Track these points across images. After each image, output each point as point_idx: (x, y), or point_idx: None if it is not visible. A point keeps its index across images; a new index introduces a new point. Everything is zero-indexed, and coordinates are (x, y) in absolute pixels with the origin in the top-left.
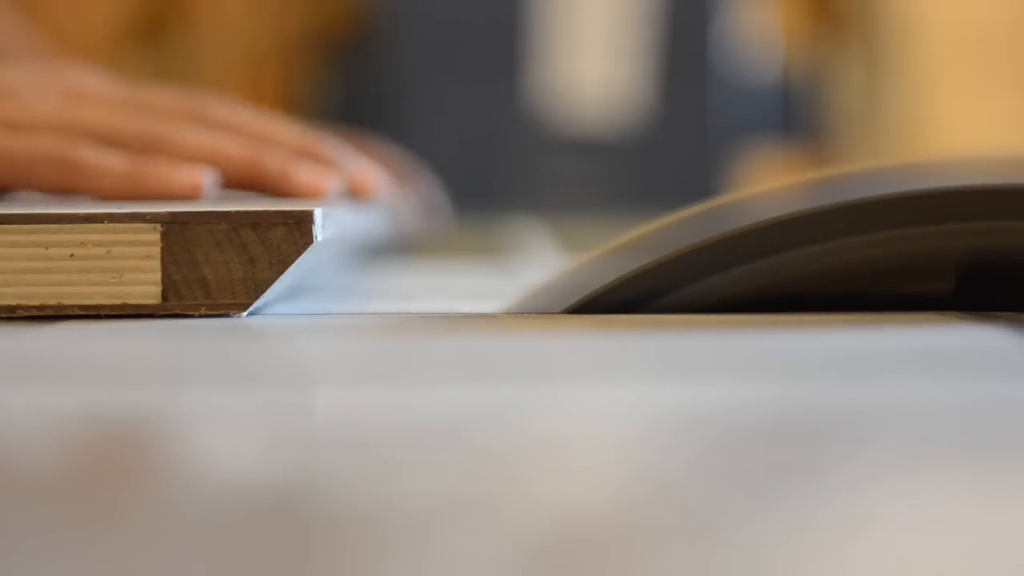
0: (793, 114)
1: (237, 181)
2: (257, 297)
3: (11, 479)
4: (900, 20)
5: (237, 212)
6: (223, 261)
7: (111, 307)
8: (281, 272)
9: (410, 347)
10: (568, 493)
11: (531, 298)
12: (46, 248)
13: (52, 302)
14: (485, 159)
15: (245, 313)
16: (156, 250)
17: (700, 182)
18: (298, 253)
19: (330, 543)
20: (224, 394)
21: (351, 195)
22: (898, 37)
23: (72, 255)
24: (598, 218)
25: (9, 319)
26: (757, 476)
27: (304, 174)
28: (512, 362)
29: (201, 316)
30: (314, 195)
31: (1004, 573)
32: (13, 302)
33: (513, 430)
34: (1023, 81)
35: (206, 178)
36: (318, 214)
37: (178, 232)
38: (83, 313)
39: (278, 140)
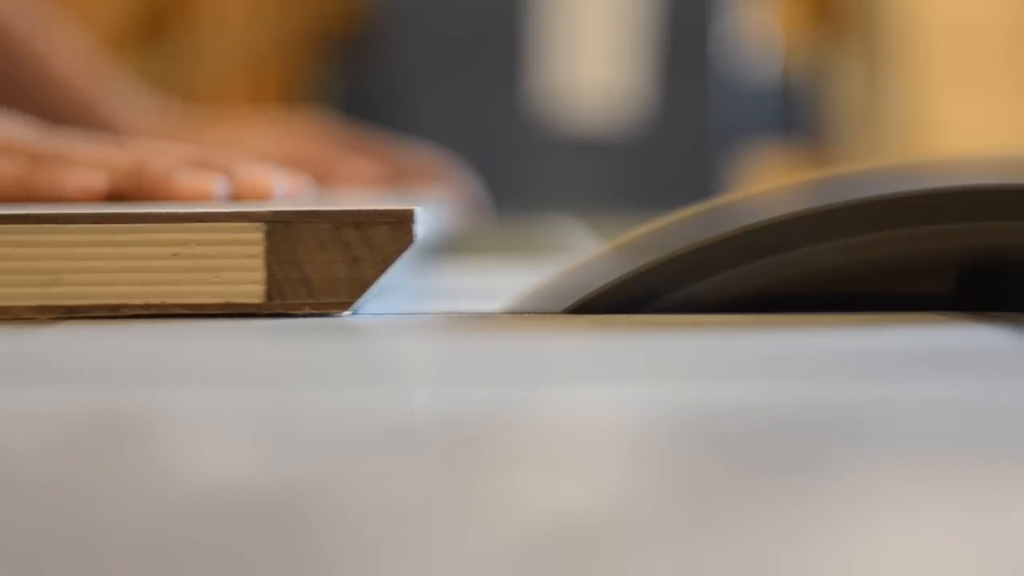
0: (793, 114)
1: (124, 187)
2: (360, 296)
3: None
4: (900, 20)
5: (340, 212)
6: (326, 260)
7: (215, 306)
8: (383, 271)
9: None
10: (567, 493)
11: (531, 298)
12: (150, 247)
13: (156, 301)
14: (485, 159)
15: (348, 312)
16: (260, 249)
17: (700, 182)
18: (400, 252)
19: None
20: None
21: (238, 199)
22: (898, 37)
23: (175, 254)
24: (595, 218)
25: (115, 318)
26: (756, 476)
27: (187, 178)
28: (511, 362)
29: (304, 315)
30: (198, 199)
31: (1004, 573)
32: (117, 301)
33: (511, 430)
34: (1023, 81)
35: (96, 181)
36: (418, 213)
37: (281, 232)
38: (187, 312)
39: (164, 152)
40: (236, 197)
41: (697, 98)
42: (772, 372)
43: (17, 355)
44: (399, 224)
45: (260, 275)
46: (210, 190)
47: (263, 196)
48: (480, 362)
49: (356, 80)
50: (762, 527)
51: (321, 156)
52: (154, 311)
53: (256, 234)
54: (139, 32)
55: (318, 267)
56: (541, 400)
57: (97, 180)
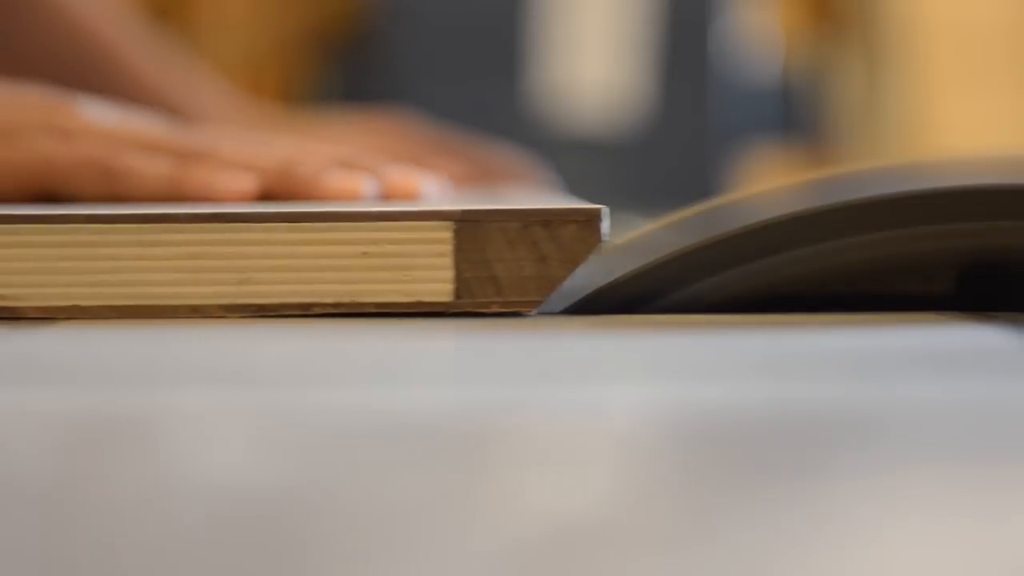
0: (793, 114)
1: (273, 188)
2: (548, 295)
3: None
4: (900, 20)
5: (529, 210)
6: (514, 259)
7: (404, 304)
8: (572, 270)
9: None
10: (567, 494)
11: None
12: (340, 246)
13: (346, 299)
14: None
15: (536, 311)
16: (449, 248)
17: (700, 182)
18: (588, 251)
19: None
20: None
21: (386, 199)
22: (898, 37)
23: (365, 253)
24: None
25: (305, 316)
26: (756, 476)
27: (335, 179)
28: (510, 362)
29: (493, 314)
30: (346, 199)
31: (1004, 573)
32: (308, 300)
33: (510, 431)
34: (1023, 81)
35: (247, 183)
36: (605, 212)
37: (470, 230)
38: (376, 311)
39: (311, 152)
40: (384, 197)
41: (697, 98)
42: (772, 372)
43: (19, 355)
44: (587, 223)
45: (448, 274)
46: (359, 190)
47: (411, 196)
48: (480, 362)
49: (356, 80)
50: (762, 528)
51: (408, 155)
52: (343, 309)
53: (445, 233)
54: None
55: (506, 265)
56: (541, 400)
57: (248, 181)
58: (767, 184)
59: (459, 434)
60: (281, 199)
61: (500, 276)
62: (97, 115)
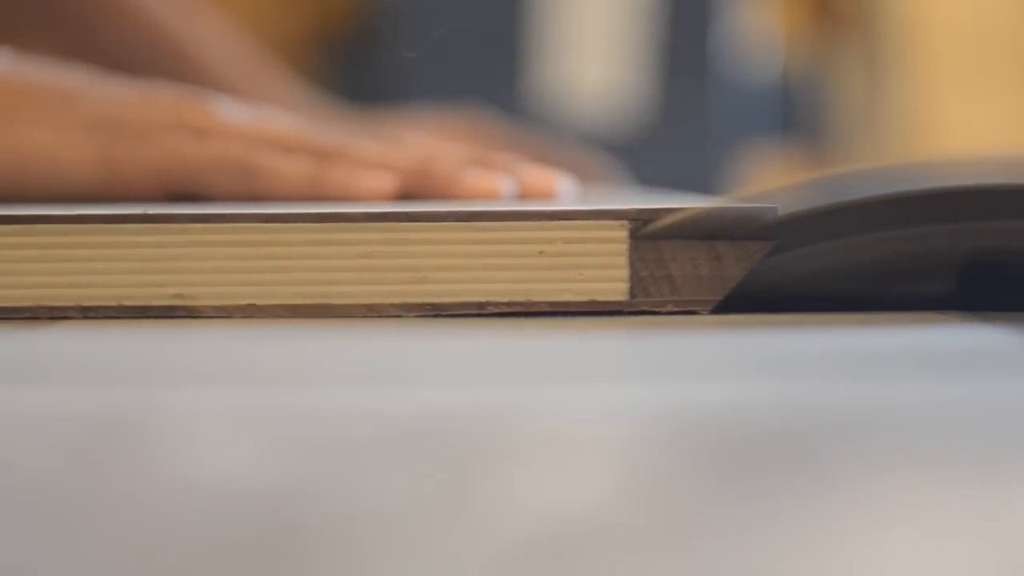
0: (793, 114)
1: (411, 186)
2: (723, 294)
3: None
4: (900, 20)
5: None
6: (690, 258)
7: (578, 304)
8: (747, 269)
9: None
10: (564, 495)
11: None
12: (516, 245)
13: (521, 299)
14: None
15: (710, 310)
16: (624, 247)
17: (700, 182)
18: (762, 251)
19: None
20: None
21: (524, 198)
22: (898, 37)
23: (541, 252)
24: None
25: (480, 315)
26: (756, 477)
27: (474, 178)
28: (510, 362)
29: (667, 313)
30: (484, 198)
31: (1003, 573)
32: (482, 299)
33: (509, 431)
34: (1023, 81)
35: (387, 182)
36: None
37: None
38: (551, 310)
39: (447, 151)
40: (522, 196)
41: (697, 98)
42: (772, 372)
43: (19, 355)
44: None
45: (624, 273)
46: (498, 189)
47: (548, 195)
48: (480, 363)
49: (356, 80)
50: (762, 528)
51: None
52: (518, 309)
53: (621, 232)
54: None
55: (682, 265)
56: (538, 401)
57: (387, 180)
58: (767, 183)
59: (456, 434)
60: (418, 198)
61: (676, 275)
62: (231, 113)
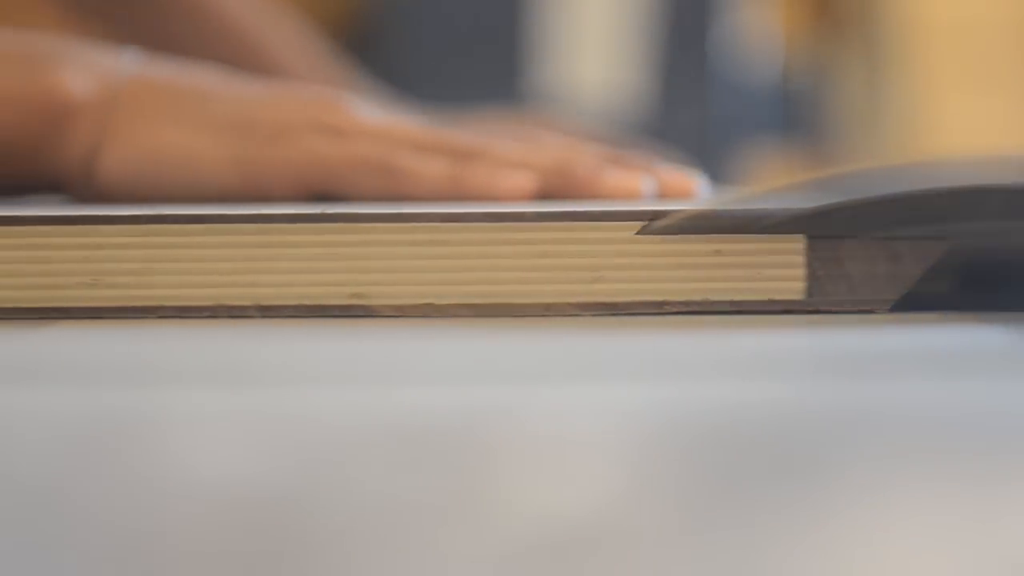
0: (793, 113)
1: (551, 186)
2: (901, 293)
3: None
4: (900, 20)
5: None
6: (867, 257)
7: (756, 303)
8: (924, 268)
9: None
10: (563, 495)
11: None
12: (693, 244)
13: (698, 298)
14: None
15: (887, 309)
16: (802, 247)
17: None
18: (940, 250)
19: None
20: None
21: (663, 197)
22: (898, 37)
23: (718, 251)
24: None
25: (659, 314)
26: (755, 477)
27: (614, 177)
28: (510, 362)
29: (844, 312)
30: (625, 197)
31: (1003, 573)
32: (660, 298)
33: (508, 431)
34: (1023, 81)
35: (528, 182)
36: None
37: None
38: (729, 309)
39: (585, 150)
40: (660, 196)
41: (697, 98)
42: (771, 372)
43: (19, 355)
44: None
45: (801, 272)
46: (638, 189)
47: (686, 195)
48: (482, 362)
49: None
50: (760, 528)
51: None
52: (695, 308)
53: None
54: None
55: (859, 264)
56: (538, 400)
57: (528, 180)
58: (766, 183)
59: (452, 435)
60: (558, 197)
61: (853, 274)
62: (368, 114)
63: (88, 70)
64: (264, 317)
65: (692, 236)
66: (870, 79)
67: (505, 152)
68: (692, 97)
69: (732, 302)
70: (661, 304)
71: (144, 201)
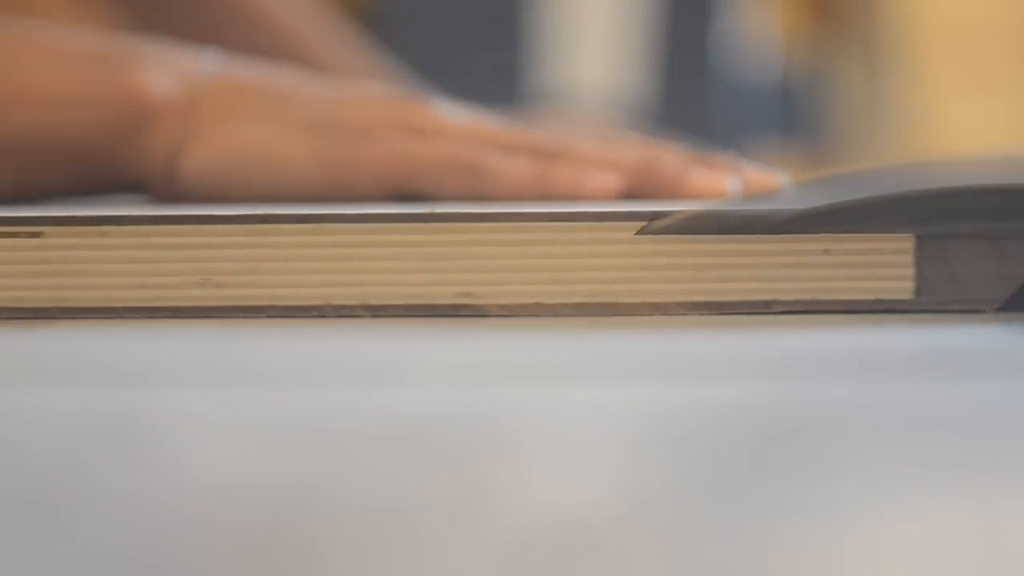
0: (793, 114)
1: (636, 185)
2: (1009, 292)
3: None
4: (900, 20)
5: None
6: (975, 256)
7: (865, 303)
8: None
9: None
10: (562, 495)
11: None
12: (801, 244)
13: (807, 297)
14: None
15: (995, 308)
16: (910, 246)
17: None
18: None
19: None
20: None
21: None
22: (898, 37)
23: (827, 251)
24: None
25: (765, 313)
26: (754, 477)
27: (700, 177)
28: (511, 362)
29: (952, 311)
30: (711, 197)
31: (1003, 573)
32: (769, 297)
33: (508, 431)
34: (1023, 81)
35: (614, 181)
36: None
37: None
38: (838, 309)
39: (665, 149)
40: (746, 195)
41: (697, 98)
42: (771, 372)
43: (19, 355)
44: None
45: (910, 271)
46: (724, 188)
47: (772, 194)
48: (480, 363)
49: None
50: (760, 528)
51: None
52: (803, 307)
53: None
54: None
55: (967, 263)
56: (538, 400)
57: (614, 179)
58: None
59: (452, 435)
60: (643, 197)
61: (960, 274)
62: (450, 114)
63: (169, 70)
64: (373, 317)
65: (801, 236)
66: (870, 79)
67: (589, 151)
68: (692, 97)
69: (840, 301)
70: (769, 304)
71: (227, 201)
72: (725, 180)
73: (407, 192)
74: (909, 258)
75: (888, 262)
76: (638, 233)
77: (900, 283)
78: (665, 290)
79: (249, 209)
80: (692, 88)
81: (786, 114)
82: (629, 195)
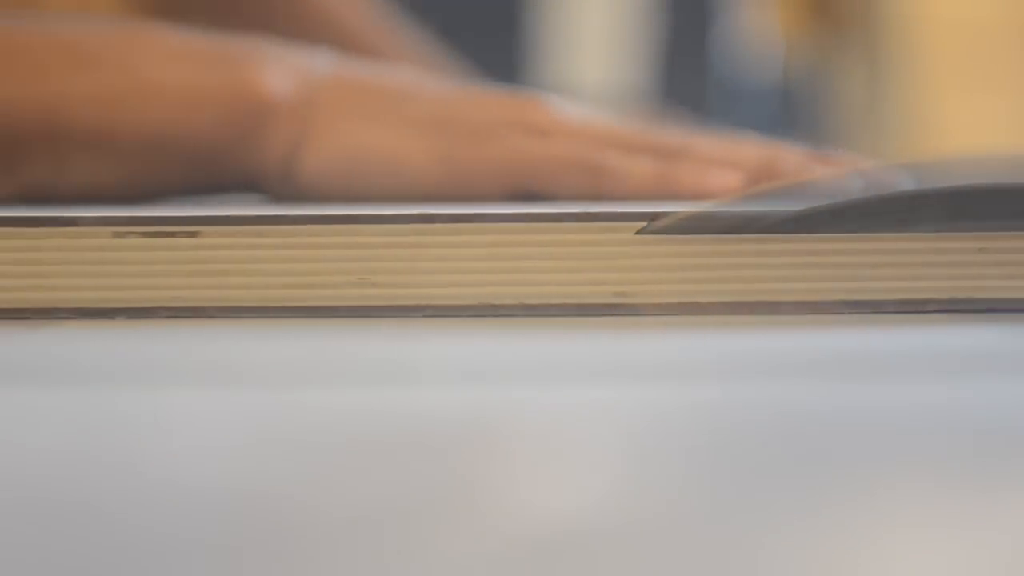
0: (793, 114)
1: (756, 184)
2: None
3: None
4: (901, 20)
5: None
6: None
7: (1018, 301)
8: None
9: None
10: (561, 495)
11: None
12: (953, 242)
13: (961, 296)
14: None
15: None
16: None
17: None
18: None
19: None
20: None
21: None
22: (899, 37)
23: (981, 249)
24: None
25: (919, 312)
26: (754, 478)
27: (821, 171)
28: (511, 362)
29: None
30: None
31: (1004, 573)
32: (922, 296)
33: (507, 431)
34: (1023, 81)
35: (736, 181)
36: None
37: None
38: (993, 307)
39: (787, 147)
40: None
41: (697, 98)
42: (772, 372)
43: (19, 355)
44: None
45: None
46: (848, 185)
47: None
48: (483, 362)
49: None
50: (761, 528)
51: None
52: (958, 307)
53: None
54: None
55: None
56: (537, 400)
57: (737, 179)
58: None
59: (451, 434)
60: None
61: None
62: (567, 112)
63: (286, 68)
64: (527, 316)
65: (956, 234)
66: (870, 79)
67: (710, 150)
68: (692, 97)
69: (996, 300)
70: (923, 303)
71: (345, 200)
72: (847, 177)
73: (526, 192)
74: None
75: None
76: (638, 233)
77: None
78: (819, 288)
79: (407, 208)
80: (692, 88)
81: (786, 114)
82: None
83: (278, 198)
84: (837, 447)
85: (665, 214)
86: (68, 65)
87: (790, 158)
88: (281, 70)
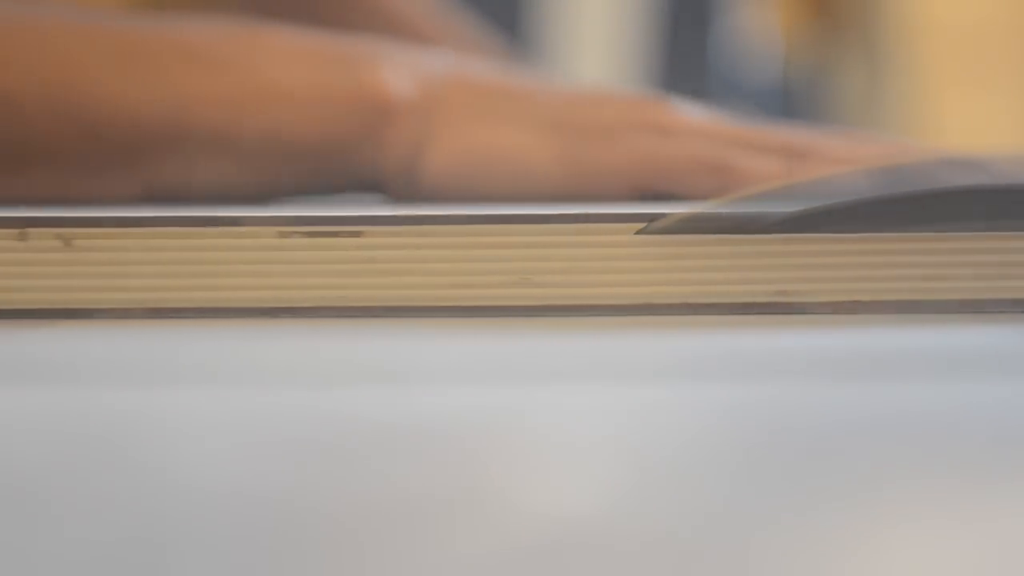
0: (793, 112)
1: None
2: None
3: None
4: (901, 19)
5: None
6: None
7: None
8: None
9: None
10: (561, 496)
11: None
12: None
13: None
14: None
15: None
16: None
17: None
18: None
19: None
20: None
21: None
22: (899, 36)
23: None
24: None
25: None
26: (755, 478)
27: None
28: (511, 362)
29: None
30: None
31: (1004, 573)
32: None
33: (507, 431)
34: (1023, 81)
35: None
36: None
37: None
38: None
39: (908, 147)
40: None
41: (697, 97)
42: (773, 372)
43: (19, 355)
44: None
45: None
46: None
47: None
48: (484, 362)
49: None
50: (761, 529)
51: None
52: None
53: None
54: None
55: None
56: (537, 401)
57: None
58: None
59: (452, 434)
60: None
61: None
62: (691, 112)
63: (407, 68)
64: (693, 315)
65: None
66: (870, 79)
67: (835, 149)
68: (692, 97)
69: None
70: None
71: (468, 201)
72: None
73: (652, 193)
74: None
75: None
76: (638, 233)
77: None
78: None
79: (571, 208)
80: (692, 88)
81: (786, 114)
82: None
83: (399, 199)
84: (838, 447)
85: (665, 214)
86: (191, 66)
87: (917, 155)
88: (401, 70)
